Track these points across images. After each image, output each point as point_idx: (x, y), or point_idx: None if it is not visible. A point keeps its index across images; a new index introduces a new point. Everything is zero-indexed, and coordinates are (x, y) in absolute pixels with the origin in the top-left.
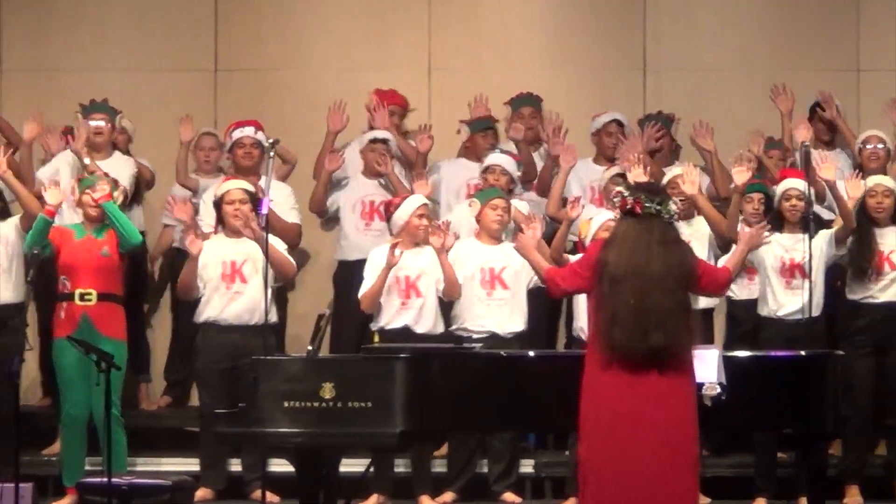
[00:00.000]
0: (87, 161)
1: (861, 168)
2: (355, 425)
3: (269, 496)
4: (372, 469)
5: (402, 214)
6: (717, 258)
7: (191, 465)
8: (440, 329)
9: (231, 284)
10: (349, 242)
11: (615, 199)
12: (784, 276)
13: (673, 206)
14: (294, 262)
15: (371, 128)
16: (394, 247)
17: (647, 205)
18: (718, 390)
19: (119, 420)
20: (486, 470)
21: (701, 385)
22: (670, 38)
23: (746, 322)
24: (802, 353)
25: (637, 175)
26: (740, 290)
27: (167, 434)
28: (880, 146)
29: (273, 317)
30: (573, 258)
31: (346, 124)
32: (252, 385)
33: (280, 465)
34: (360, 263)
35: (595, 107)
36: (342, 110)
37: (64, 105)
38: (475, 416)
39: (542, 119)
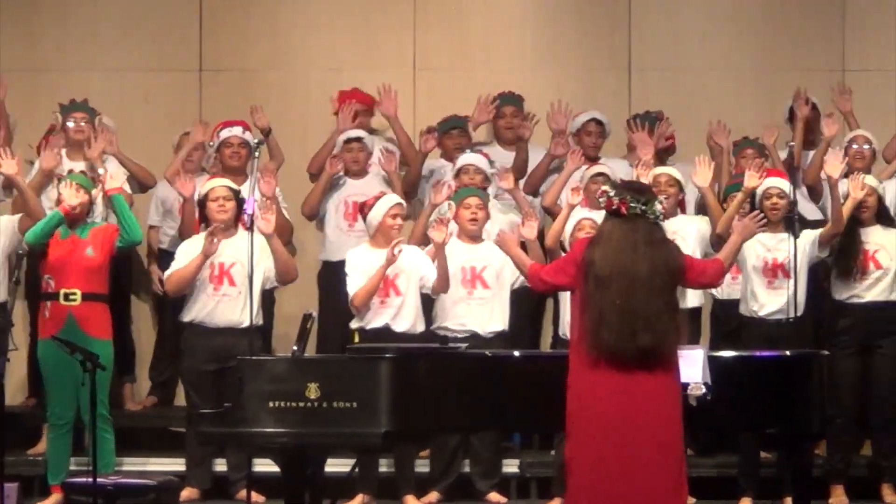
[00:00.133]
0: (101, 171)
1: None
2: (340, 425)
3: (255, 496)
4: (357, 469)
5: (375, 215)
6: (705, 256)
7: (176, 465)
8: (420, 328)
9: (219, 286)
10: (333, 243)
11: (600, 199)
12: (766, 276)
13: (658, 206)
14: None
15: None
16: (394, 246)
17: (632, 204)
18: (703, 390)
19: (107, 420)
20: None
21: (686, 385)
22: (656, 38)
23: (730, 321)
24: (787, 353)
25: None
26: (724, 290)
27: (152, 434)
28: (866, 146)
29: (260, 319)
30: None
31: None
32: (237, 385)
33: (265, 465)
34: (344, 264)
35: (580, 107)
36: (353, 111)
37: (50, 105)
38: (460, 416)
39: (524, 118)
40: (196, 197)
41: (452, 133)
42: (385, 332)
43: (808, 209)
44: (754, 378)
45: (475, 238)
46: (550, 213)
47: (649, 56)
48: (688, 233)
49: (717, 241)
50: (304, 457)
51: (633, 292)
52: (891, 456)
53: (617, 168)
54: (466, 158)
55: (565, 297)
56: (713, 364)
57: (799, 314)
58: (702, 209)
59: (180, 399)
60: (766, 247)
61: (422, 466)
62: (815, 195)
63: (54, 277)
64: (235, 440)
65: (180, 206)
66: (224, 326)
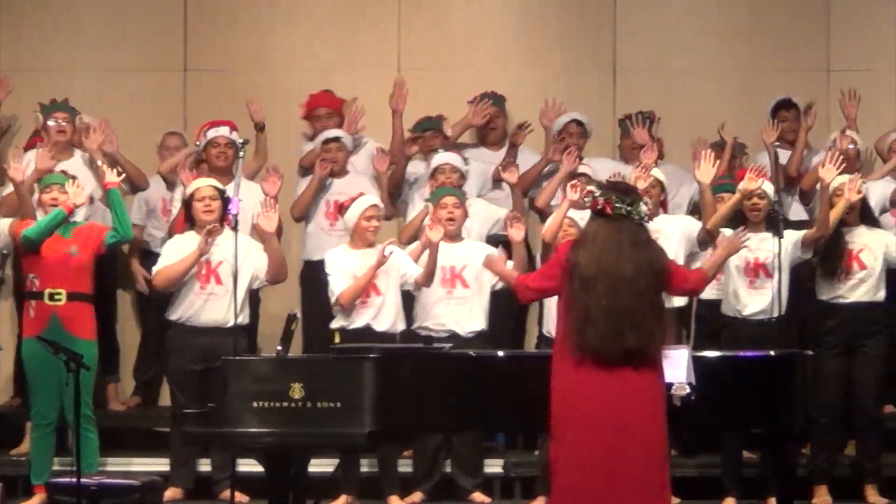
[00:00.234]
0: (99, 162)
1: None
2: (324, 425)
3: (239, 496)
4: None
5: (350, 217)
6: (690, 256)
7: (160, 465)
8: (401, 327)
9: (206, 285)
10: (314, 242)
11: (586, 199)
12: (748, 276)
13: (643, 208)
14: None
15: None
16: (385, 247)
17: (617, 205)
18: (688, 390)
19: (91, 420)
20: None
21: (670, 385)
22: (640, 38)
23: (715, 321)
24: (772, 352)
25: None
26: (707, 290)
27: (136, 434)
28: (851, 146)
29: (246, 318)
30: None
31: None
32: (221, 385)
33: (249, 465)
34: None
35: (566, 107)
36: (360, 113)
37: (33, 105)
38: (444, 416)
39: (506, 118)
40: (182, 197)
41: (426, 134)
42: (366, 332)
43: (794, 210)
44: (739, 378)
45: (454, 237)
46: (543, 214)
47: (634, 56)
48: (671, 232)
49: (707, 236)
50: (287, 457)
51: (619, 293)
52: (875, 456)
53: (599, 168)
54: (441, 158)
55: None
56: (698, 364)
57: (781, 314)
58: (696, 209)
59: (164, 399)
60: (748, 246)
61: (405, 466)
62: (806, 198)
63: (39, 277)
64: (219, 440)
65: (163, 205)
66: (210, 325)
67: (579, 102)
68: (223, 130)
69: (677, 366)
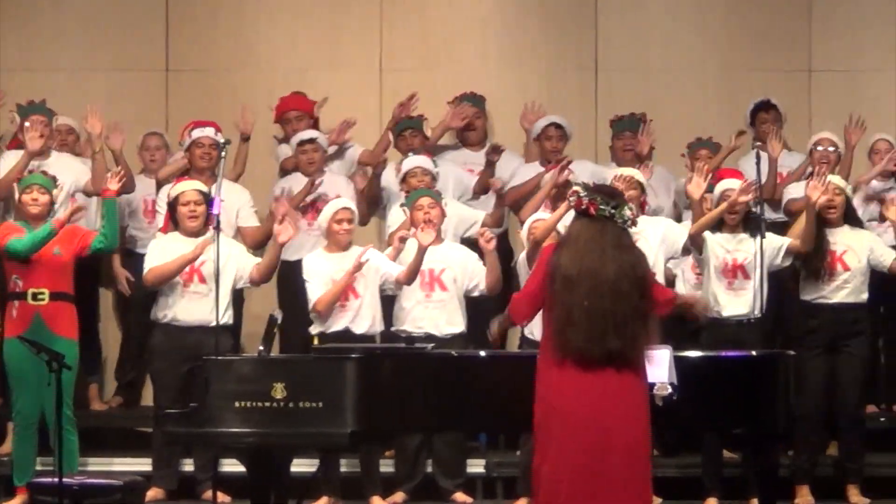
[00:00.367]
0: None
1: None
2: (306, 425)
3: (221, 496)
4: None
5: (322, 220)
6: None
7: (142, 465)
8: (379, 329)
9: (189, 283)
10: (293, 242)
11: (571, 199)
12: (726, 277)
13: (627, 212)
14: None
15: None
16: (362, 254)
17: (601, 207)
18: (670, 390)
19: (71, 420)
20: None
21: (652, 385)
22: (622, 38)
23: (693, 322)
24: (754, 353)
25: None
26: (686, 292)
27: (119, 434)
28: (831, 149)
29: (229, 318)
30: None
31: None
32: (204, 385)
33: (231, 465)
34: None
35: (547, 107)
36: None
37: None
38: (427, 416)
39: (486, 118)
40: (167, 199)
41: (405, 134)
42: (345, 335)
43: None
44: (721, 378)
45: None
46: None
47: (615, 56)
48: (650, 234)
49: (691, 241)
50: (270, 457)
51: (601, 294)
52: (857, 456)
53: (580, 171)
54: (411, 162)
55: None
56: (679, 364)
57: (760, 315)
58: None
59: (146, 399)
60: (726, 248)
61: (387, 467)
62: (777, 205)
63: (22, 278)
64: (202, 440)
65: (145, 206)
66: (195, 325)
67: (560, 102)
68: (208, 131)
69: (659, 366)
